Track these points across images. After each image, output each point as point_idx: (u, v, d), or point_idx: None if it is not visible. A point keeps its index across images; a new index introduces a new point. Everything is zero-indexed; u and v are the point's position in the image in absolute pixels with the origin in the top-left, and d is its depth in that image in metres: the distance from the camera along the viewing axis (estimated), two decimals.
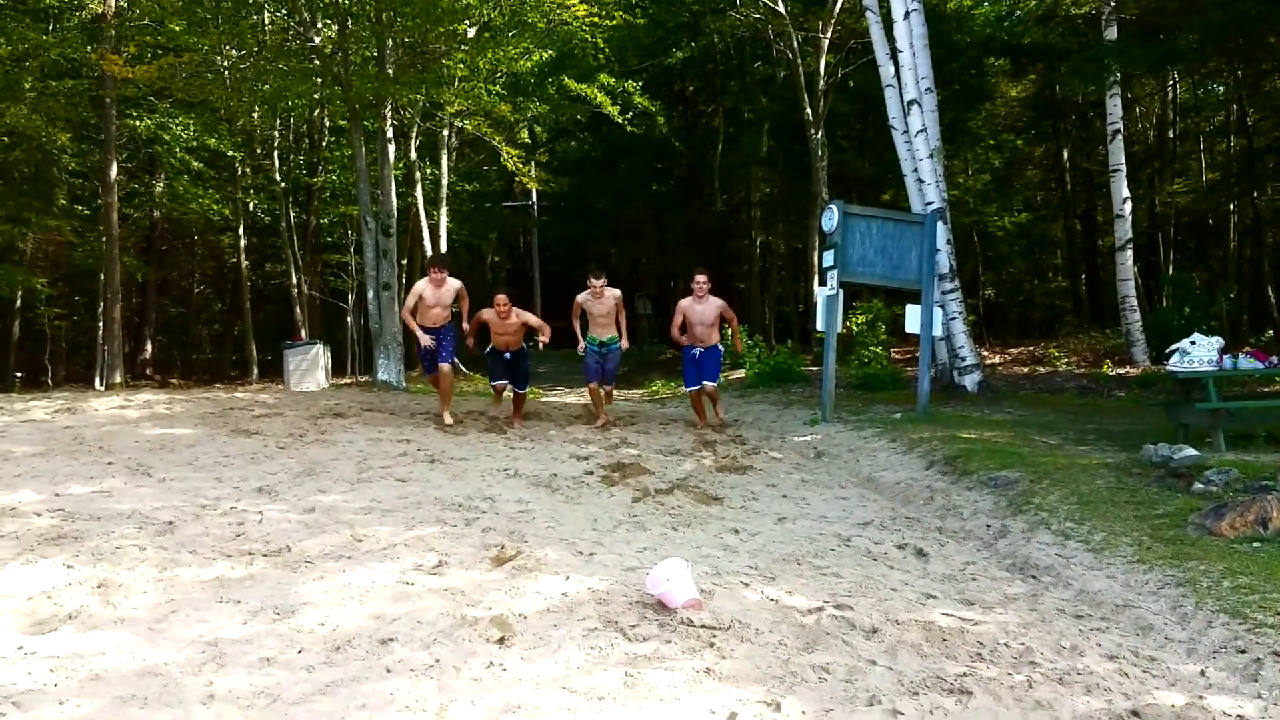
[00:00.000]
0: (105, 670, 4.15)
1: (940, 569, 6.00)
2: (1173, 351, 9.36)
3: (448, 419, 11.24)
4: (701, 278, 11.63)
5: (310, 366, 18.12)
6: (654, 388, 20.07)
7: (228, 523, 6.54)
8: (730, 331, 13.22)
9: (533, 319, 11.69)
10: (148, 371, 26.84)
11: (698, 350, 11.70)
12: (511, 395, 11.97)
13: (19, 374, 23.94)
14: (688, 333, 11.67)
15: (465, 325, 11.66)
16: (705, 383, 11.75)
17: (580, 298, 11.65)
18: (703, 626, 4.63)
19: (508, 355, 11.64)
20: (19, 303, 24.78)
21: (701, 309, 11.60)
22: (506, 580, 5.32)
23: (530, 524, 6.68)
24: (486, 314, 11.31)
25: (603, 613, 4.85)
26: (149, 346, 28.09)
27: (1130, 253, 18.38)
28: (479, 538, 6.22)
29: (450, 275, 11.59)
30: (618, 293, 11.82)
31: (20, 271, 22.78)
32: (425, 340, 11.39)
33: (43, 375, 25.68)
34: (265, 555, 5.82)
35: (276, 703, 3.83)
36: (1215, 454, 8.18)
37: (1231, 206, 24.78)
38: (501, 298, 11.24)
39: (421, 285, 11.44)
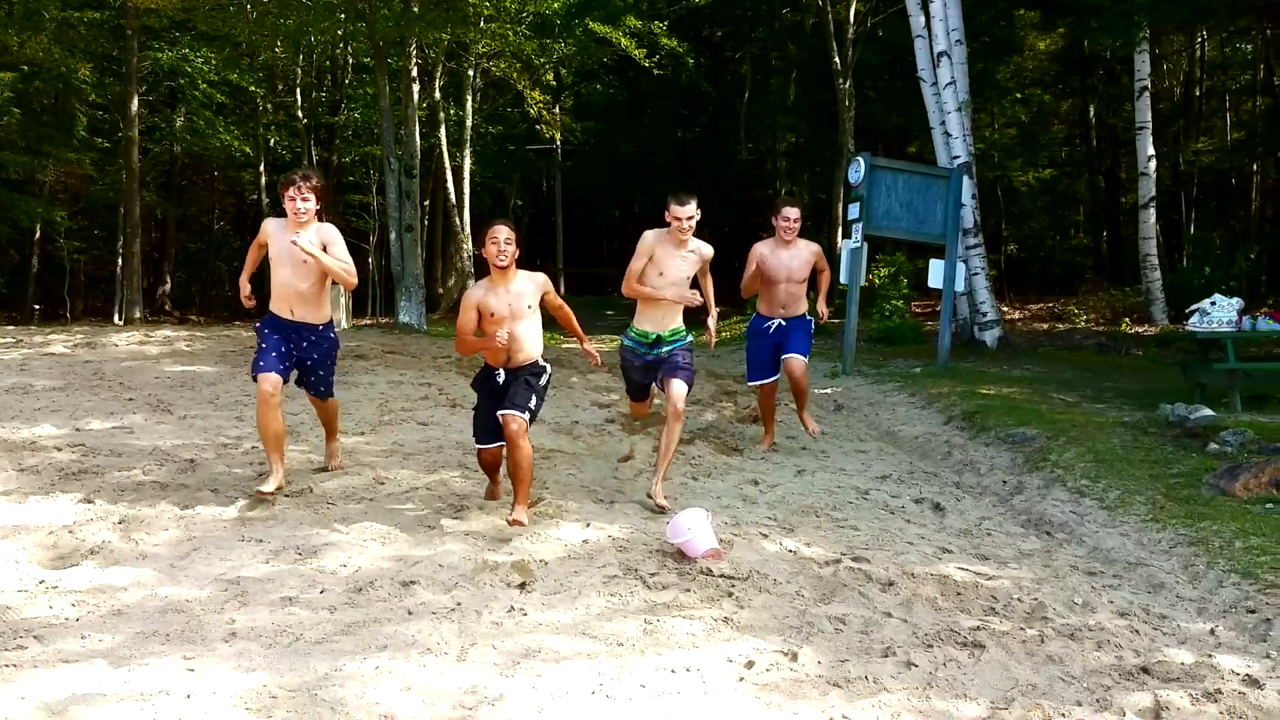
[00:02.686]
0: (127, 605, 4.21)
1: (956, 524, 6.02)
2: (1193, 311, 9.28)
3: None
4: (793, 212, 7.67)
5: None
6: None
7: (249, 462, 6.60)
8: (819, 290, 7.96)
9: (568, 313, 5.93)
10: (166, 307, 26.95)
11: (775, 322, 7.63)
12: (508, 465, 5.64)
13: (37, 306, 24.06)
14: (762, 296, 7.76)
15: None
16: (792, 356, 7.51)
17: (649, 239, 6.30)
18: (721, 576, 4.66)
19: (501, 378, 5.60)
20: (38, 235, 24.83)
21: (789, 257, 7.62)
22: (527, 526, 5.36)
23: (551, 471, 6.71)
24: (473, 296, 5.60)
25: (623, 560, 4.88)
26: (168, 282, 28.18)
27: (1153, 211, 18.14)
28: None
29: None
30: (709, 250, 6.46)
31: (40, 203, 22.78)
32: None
33: (61, 309, 25.78)
34: (287, 495, 5.87)
35: (299, 641, 3.87)
36: (1231, 415, 8.15)
37: (1255, 166, 24.43)
38: (501, 230, 5.47)
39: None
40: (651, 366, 6.36)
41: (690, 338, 6.46)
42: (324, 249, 5.88)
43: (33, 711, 3.19)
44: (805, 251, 7.68)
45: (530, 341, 5.60)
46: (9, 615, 4.03)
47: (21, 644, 3.75)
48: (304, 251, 5.71)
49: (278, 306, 6.01)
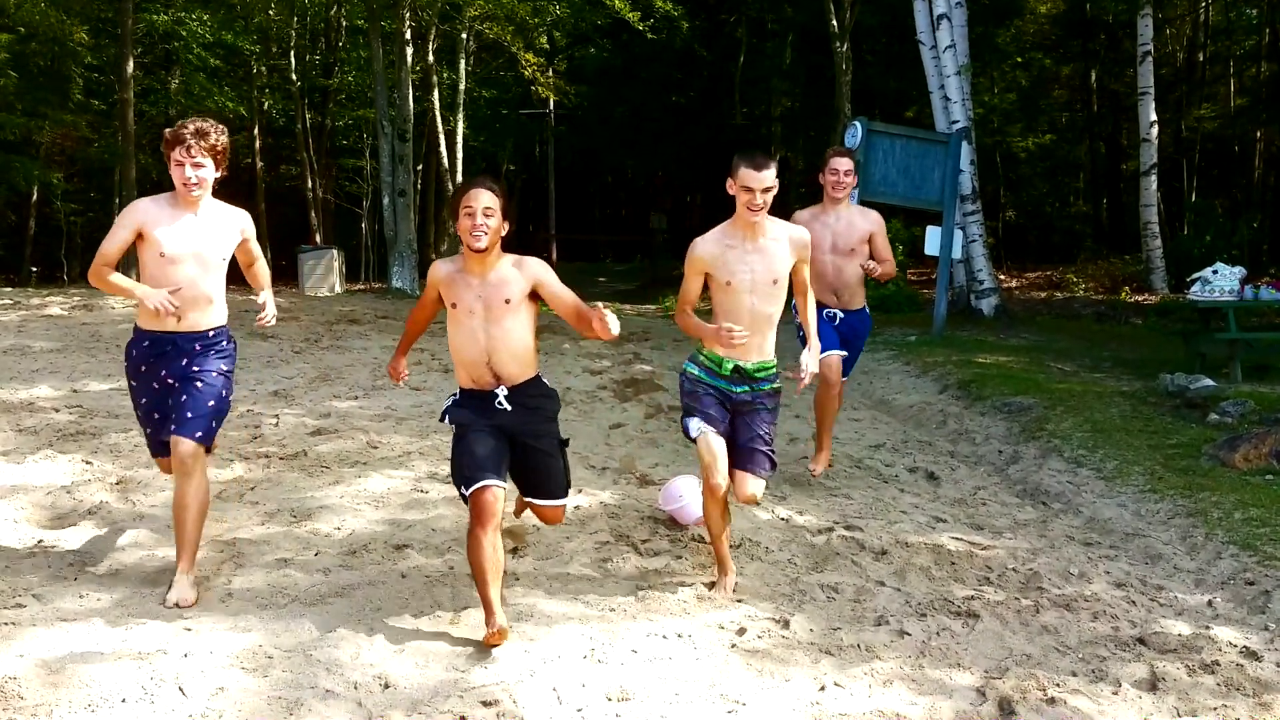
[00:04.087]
0: (125, 566, 4.23)
1: (951, 493, 6.03)
2: (1194, 280, 9.26)
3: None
4: (843, 164, 5.85)
5: (325, 271, 18.08)
6: (667, 304, 19.99)
7: (245, 425, 6.60)
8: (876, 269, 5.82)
9: (572, 300, 3.96)
10: None
11: (833, 313, 5.90)
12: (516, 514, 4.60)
13: (34, 269, 23.98)
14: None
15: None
16: (831, 353, 5.77)
17: (698, 251, 4.30)
18: None
19: (502, 399, 3.91)
20: (35, 197, 24.70)
21: (835, 221, 5.83)
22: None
23: None
24: (436, 274, 3.99)
25: (615, 527, 4.90)
26: None
27: (1154, 178, 18.06)
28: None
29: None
30: (804, 234, 4.39)
31: (36, 165, 22.67)
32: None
33: (58, 271, 25.69)
34: (282, 459, 5.88)
35: (294, 603, 3.89)
36: (1232, 385, 8.14)
37: (1258, 134, 24.29)
38: (480, 195, 3.77)
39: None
40: (722, 398, 4.22)
41: (778, 379, 4.36)
42: (243, 242, 4.34)
43: (31, 669, 3.21)
44: (860, 219, 5.75)
45: (516, 349, 3.83)
46: (8, 575, 4.05)
47: (20, 603, 3.78)
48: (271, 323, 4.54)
49: (154, 319, 4.01)
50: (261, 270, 4.62)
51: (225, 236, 4.19)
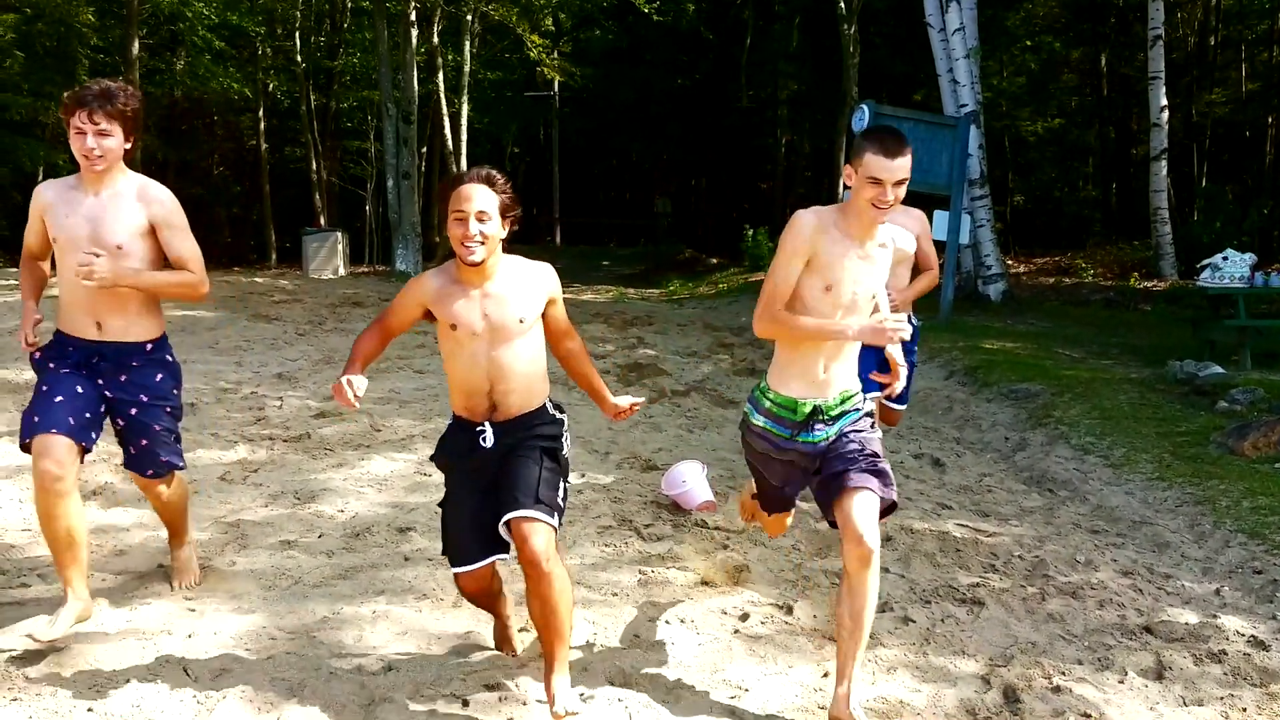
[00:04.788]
0: (129, 546, 4.23)
1: (957, 480, 6.00)
2: (1204, 266, 9.21)
3: None
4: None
5: (329, 253, 18.07)
6: (671, 288, 19.95)
7: (248, 407, 6.59)
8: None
9: (581, 353, 3.44)
10: None
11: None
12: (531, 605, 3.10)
13: None
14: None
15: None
16: (890, 404, 4.99)
17: (806, 223, 3.10)
18: (717, 528, 4.67)
19: (489, 439, 3.15)
20: (41, 178, 24.72)
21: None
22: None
23: None
24: (423, 290, 3.16)
25: (617, 511, 4.88)
26: None
27: (1164, 163, 17.94)
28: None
29: None
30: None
31: (42, 146, 22.67)
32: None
33: None
34: (286, 441, 5.87)
35: (298, 584, 3.89)
36: (1241, 372, 8.10)
37: (1270, 119, 24.12)
38: (475, 193, 2.99)
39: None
40: (802, 464, 3.26)
41: (868, 401, 3.38)
42: (151, 231, 3.43)
43: (35, 650, 3.20)
44: (905, 218, 4.78)
45: (526, 376, 3.11)
46: (12, 554, 4.05)
47: (25, 582, 3.79)
48: (93, 275, 3.26)
49: (71, 320, 3.52)
50: (186, 277, 3.49)
51: (127, 219, 3.37)
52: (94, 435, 3.47)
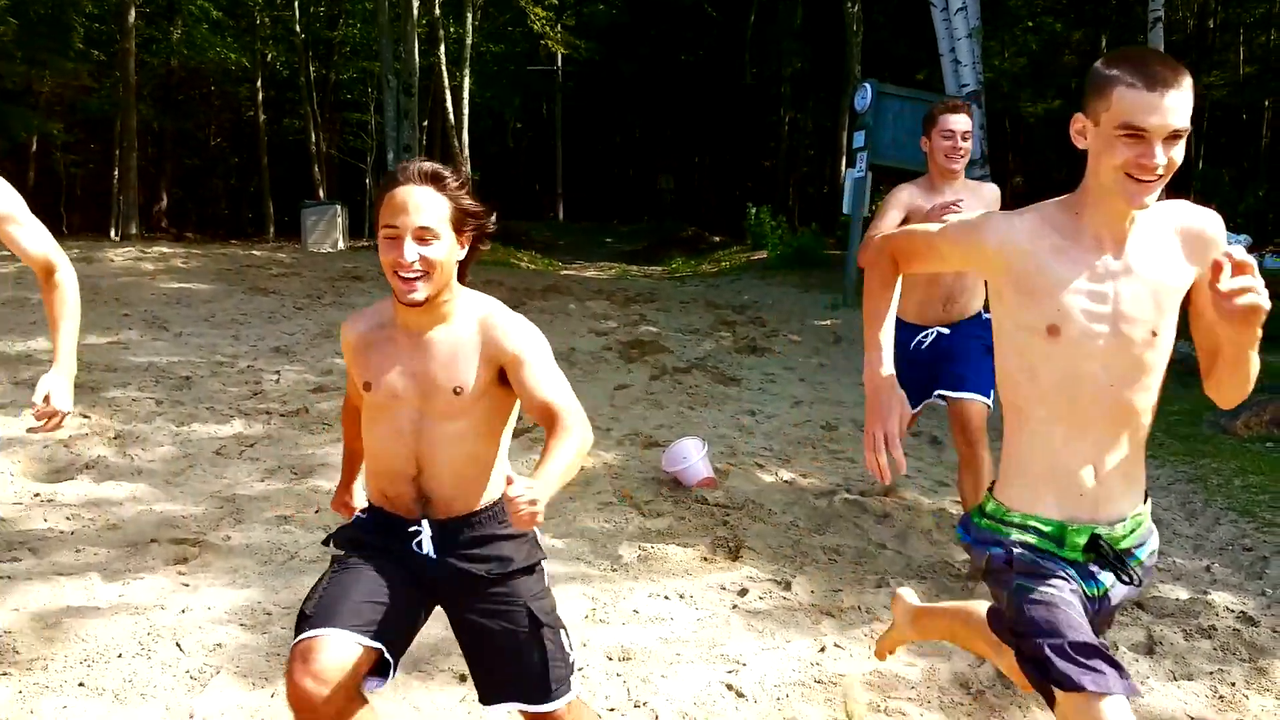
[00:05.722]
0: (122, 520, 4.21)
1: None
2: None
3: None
4: (959, 122, 3.93)
5: (328, 227, 17.98)
6: (673, 265, 19.91)
7: (245, 381, 6.57)
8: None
9: (546, 400, 2.12)
10: (163, 224, 26.73)
11: (929, 334, 4.12)
12: None
13: None
14: (906, 287, 2.85)
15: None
16: (967, 397, 4.00)
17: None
18: (717, 505, 4.66)
19: (424, 540, 2.21)
20: (34, 147, 24.57)
21: (970, 198, 3.96)
22: (523, 451, 5.34)
23: None
24: (350, 333, 2.28)
25: (618, 487, 4.88)
26: (164, 198, 27.91)
27: None
28: None
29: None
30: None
31: (36, 116, 22.53)
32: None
33: (57, 223, 25.61)
34: (283, 415, 5.85)
35: (293, 559, 3.88)
36: None
37: (1266, 102, 24.09)
38: (412, 201, 2.07)
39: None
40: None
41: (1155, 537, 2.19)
42: None
43: (27, 623, 3.20)
44: (988, 194, 4.16)
45: (466, 466, 2.21)
46: (4, 528, 4.03)
47: (16, 556, 3.76)
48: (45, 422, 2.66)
49: None
50: (59, 300, 2.73)
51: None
52: None
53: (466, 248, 2.19)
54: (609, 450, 5.51)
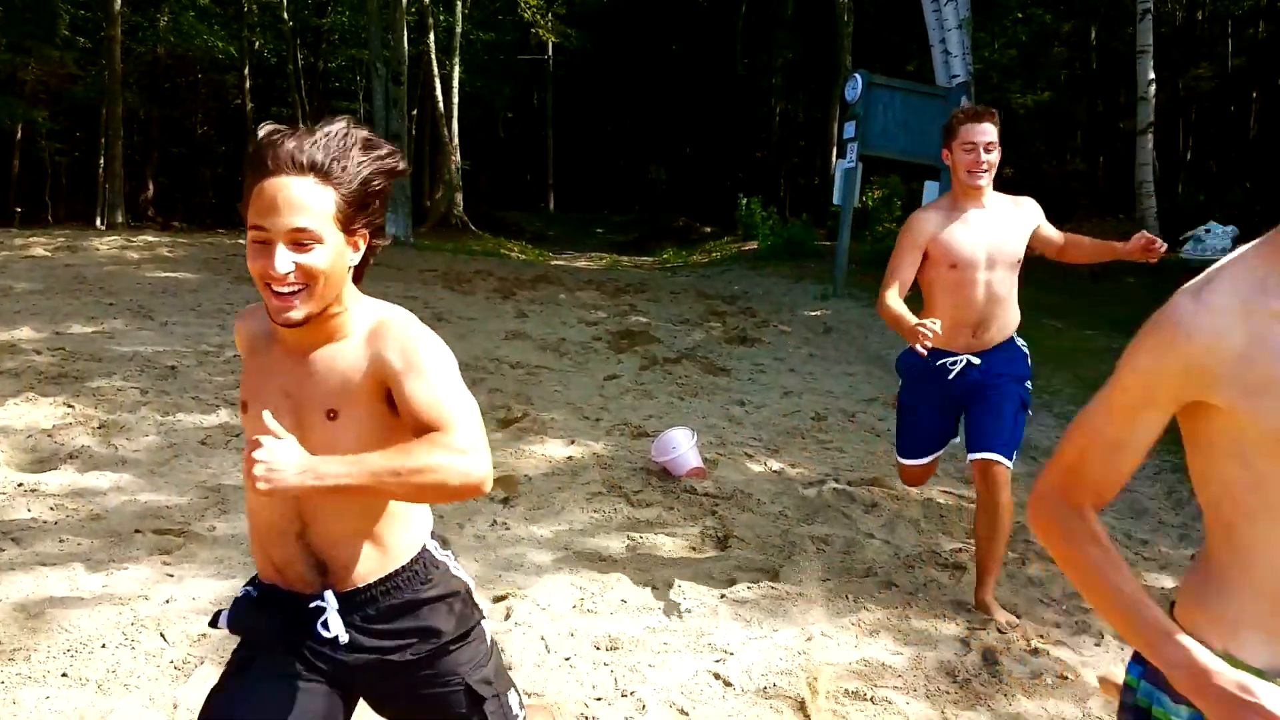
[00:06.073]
0: (106, 510, 4.18)
1: None
2: (1187, 238, 9.22)
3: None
4: (983, 132, 3.68)
5: None
6: (664, 256, 19.90)
7: (231, 370, 6.54)
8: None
9: (432, 418, 1.64)
10: (149, 212, 26.58)
11: (959, 362, 3.68)
12: None
13: (18, 209, 23.69)
14: (934, 307, 3.71)
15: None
16: (988, 457, 3.55)
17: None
18: (705, 495, 4.66)
19: (330, 621, 1.73)
20: (19, 136, 24.40)
21: (990, 228, 3.69)
22: (511, 441, 5.33)
23: (537, 387, 6.66)
24: (242, 328, 1.88)
25: (607, 477, 4.87)
26: (150, 186, 27.76)
27: (1150, 137, 17.90)
28: (485, 398, 6.21)
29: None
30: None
31: (21, 104, 22.35)
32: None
33: (43, 212, 25.43)
34: None
35: None
36: None
37: (1254, 94, 24.17)
38: (282, 195, 1.60)
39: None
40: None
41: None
42: None
43: (9, 613, 3.17)
44: (1018, 212, 3.77)
45: (361, 514, 1.75)
46: None
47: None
48: None
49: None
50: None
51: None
52: None
53: (361, 249, 1.72)
54: (598, 440, 5.50)
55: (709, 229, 24.03)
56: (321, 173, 1.60)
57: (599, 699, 2.90)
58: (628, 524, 4.32)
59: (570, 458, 5.07)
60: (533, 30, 23.41)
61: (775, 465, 5.23)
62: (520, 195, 34.16)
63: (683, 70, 31.71)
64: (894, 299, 3.59)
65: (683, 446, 4.89)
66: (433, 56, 22.26)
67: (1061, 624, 3.54)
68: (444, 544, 1.88)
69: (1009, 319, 3.70)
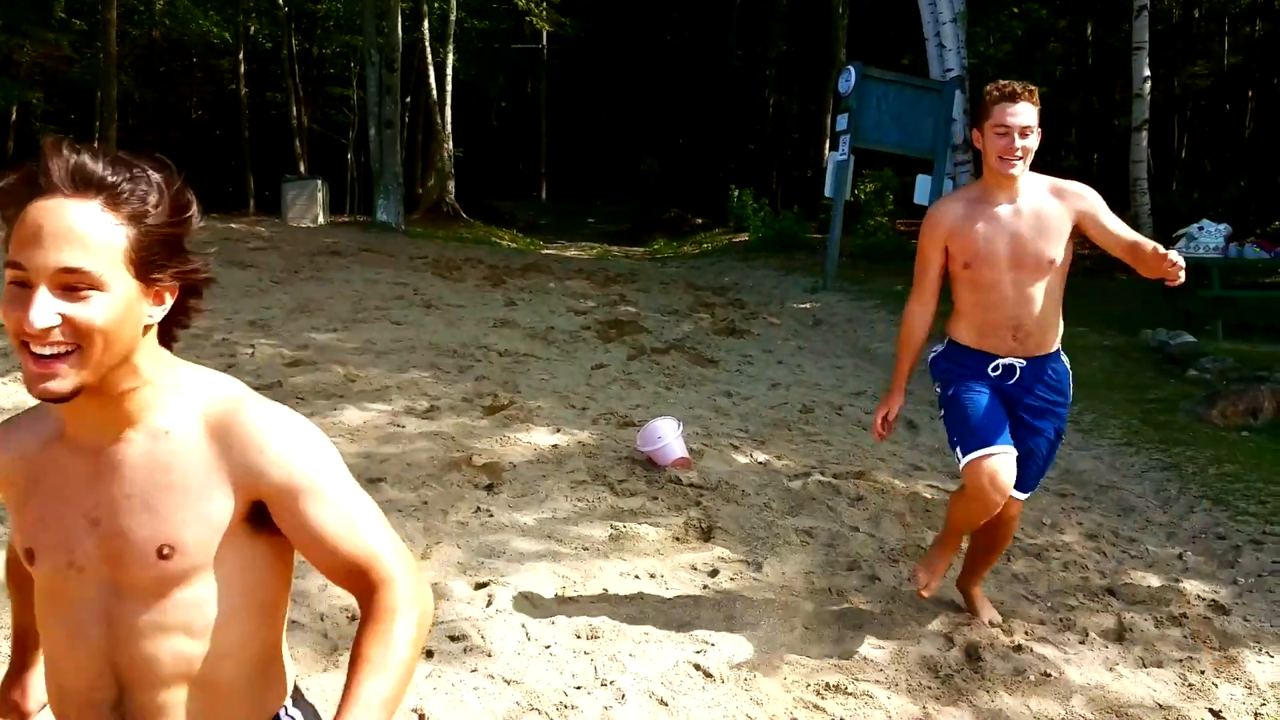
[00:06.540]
0: None
1: (929, 442, 6.02)
2: (1179, 236, 9.23)
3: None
4: (1018, 113, 3.05)
5: (308, 202, 17.86)
6: (655, 246, 19.89)
7: (219, 354, 6.53)
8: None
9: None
10: None
11: (1006, 366, 3.32)
12: None
13: None
14: (965, 311, 3.40)
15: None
16: (1013, 494, 3.23)
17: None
18: (690, 485, 4.66)
19: None
20: (14, 117, 24.32)
21: (1019, 220, 3.18)
22: (497, 428, 5.33)
23: (524, 375, 6.66)
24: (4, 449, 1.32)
25: (592, 466, 4.87)
26: None
27: (1145, 134, 17.92)
28: (472, 385, 6.21)
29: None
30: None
31: (16, 86, 22.27)
32: None
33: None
34: (257, 389, 5.80)
35: None
36: (1213, 342, 8.16)
37: (1249, 93, 24.21)
38: (45, 217, 1.13)
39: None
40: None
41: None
42: None
43: None
44: (1057, 207, 3.21)
45: (205, 686, 1.28)
46: None
47: None
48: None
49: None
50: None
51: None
52: None
53: (167, 304, 1.31)
54: (584, 429, 5.50)
55: (700, 220, 24.02)
56: (108, 192, 1.15)
57: (579, 688, 2.91)
58: (611, 513, 4.33)
59: (556, 446, 5.08)
60: (527, 19, 23.33)
61: (761, 457, 5.24)
62: (513, 184, 34.08)
63: (677, 61, 31.66)
64: (914, 327, 3.54)
65: (668, 436, 4.90)
66: (427, 44, 22.20)
67: (1046, 621, 3.56)
68: (296, 699, 1.42)
69: (1048, 329, 3.27)
